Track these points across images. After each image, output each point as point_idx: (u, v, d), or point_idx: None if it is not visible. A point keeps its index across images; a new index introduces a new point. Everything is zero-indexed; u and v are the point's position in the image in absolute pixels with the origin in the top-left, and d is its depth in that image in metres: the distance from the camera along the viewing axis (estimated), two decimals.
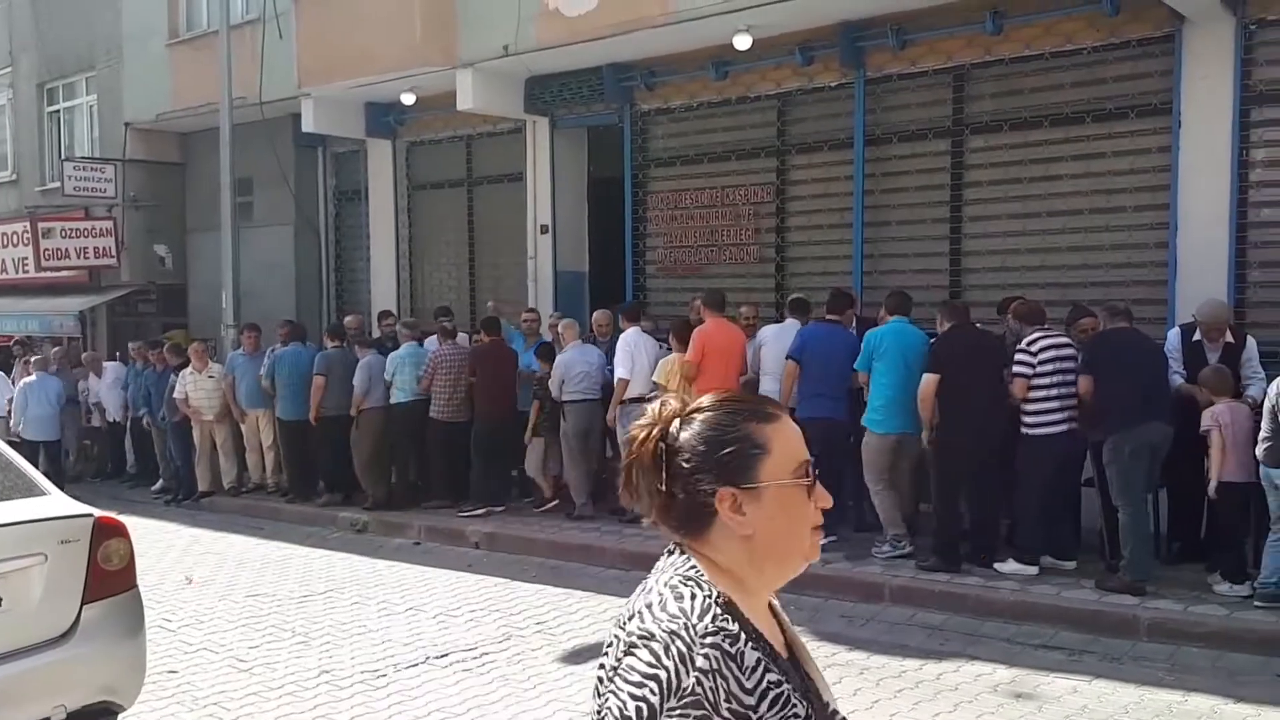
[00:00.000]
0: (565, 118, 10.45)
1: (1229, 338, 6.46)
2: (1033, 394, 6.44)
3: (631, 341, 8.27)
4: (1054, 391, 6.43)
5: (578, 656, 5.83)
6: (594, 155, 10.80)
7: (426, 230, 12.04)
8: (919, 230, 8.56)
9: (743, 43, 8.45)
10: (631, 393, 8.13)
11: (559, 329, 9.03)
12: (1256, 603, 5.85)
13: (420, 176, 12.00)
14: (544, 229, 10.59)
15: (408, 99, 10.69)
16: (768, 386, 7.64)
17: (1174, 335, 6.72)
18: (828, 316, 7.59)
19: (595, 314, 9.25)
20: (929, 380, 6.66)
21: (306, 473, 10.16)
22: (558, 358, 8.69)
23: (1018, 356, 6.48)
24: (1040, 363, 6.42)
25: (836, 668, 5.59)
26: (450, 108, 10.17)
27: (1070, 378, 6.45)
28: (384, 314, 10.97)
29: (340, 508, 9.76)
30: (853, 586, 6.79)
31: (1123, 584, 6.16)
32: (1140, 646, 5.73)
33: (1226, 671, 5.36)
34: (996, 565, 6.63)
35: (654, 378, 8.05)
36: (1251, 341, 6.46)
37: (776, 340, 7.70)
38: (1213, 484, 6.07)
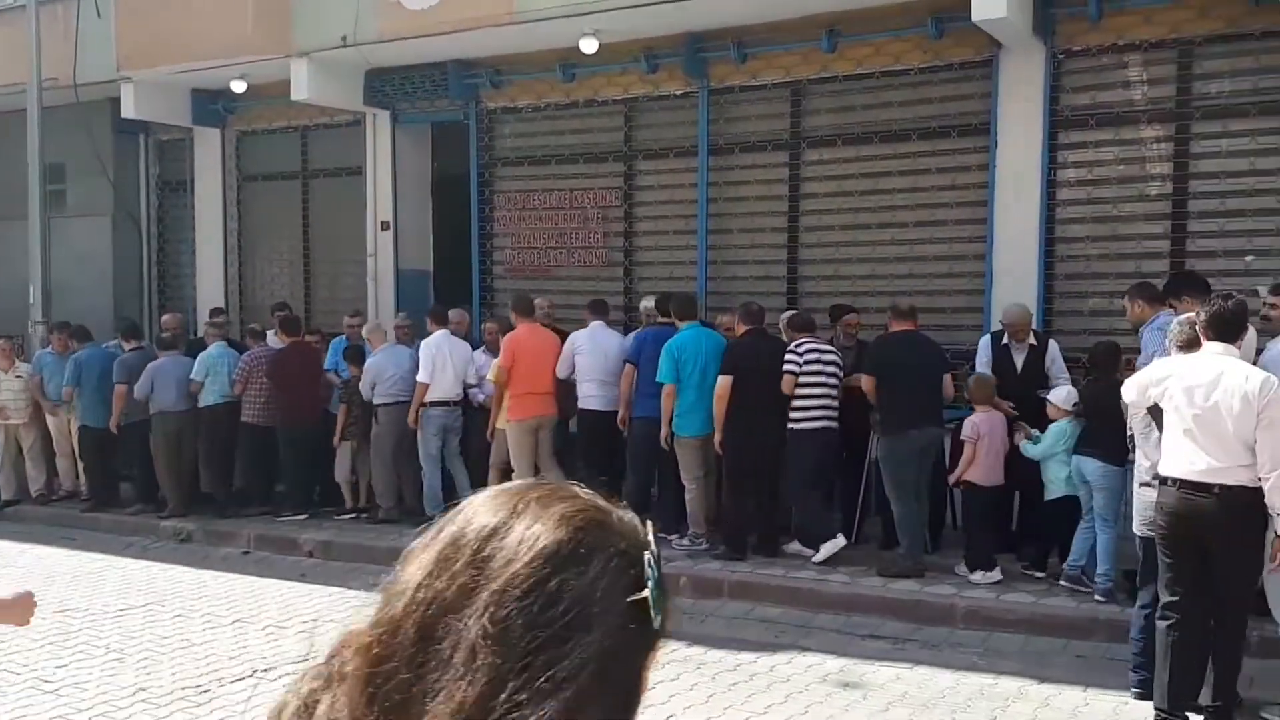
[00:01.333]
0: (408, 113, 10.30)
1: (1033, 341, 7.01)
2: (798, 392, 7.05)
3: (434, 345, 8.34)
4: (816, 391, 7.06)
5: None
6: (439, 152, 10.68)
7: (258, 224, 11.62)
8: (759, 239, 8.87)
9: (589, 46, 8.54)
10: (433, 396, 8.27)
11: (365, 333, 9.01)
12: (1063, 581, 6.39)
13: (252, 168, 11.58)
14: (385, 226, 10.41)
15: (238, 87, 10.30)
16: (587, 390, 7.89)
17: (984, 342, 7.23)
18: (659, 320, 7.84)
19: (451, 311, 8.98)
20: (723, 382, 7.09)
21: (110, 481, 9.71)
22: (368, 360, 8.67)
23: (787, 357, 7.10)
24: (805, 364, 7.03)
25: (674, 664, 5.75)
26: (285, 97, 9.84)
27: (830, 380, 7.10)
28: (215, 311, 10.56)
29: (159, 516, 9.28)
30: (690, 582, 7.00)
31: (902, 569, 6.73)
32: (957, 634, 6.16)
33: (1034, 654, 5.82)
34: (784, 547, 7.13)
35: (488, 377, 8.13)
36: (1054, 345, 7.02)
37: (590, 344, 7.91)
38: (954, 478, 6.73)
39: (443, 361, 8.31)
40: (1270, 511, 4.44)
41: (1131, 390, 4.94)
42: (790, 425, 7.12)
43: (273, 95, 10.18)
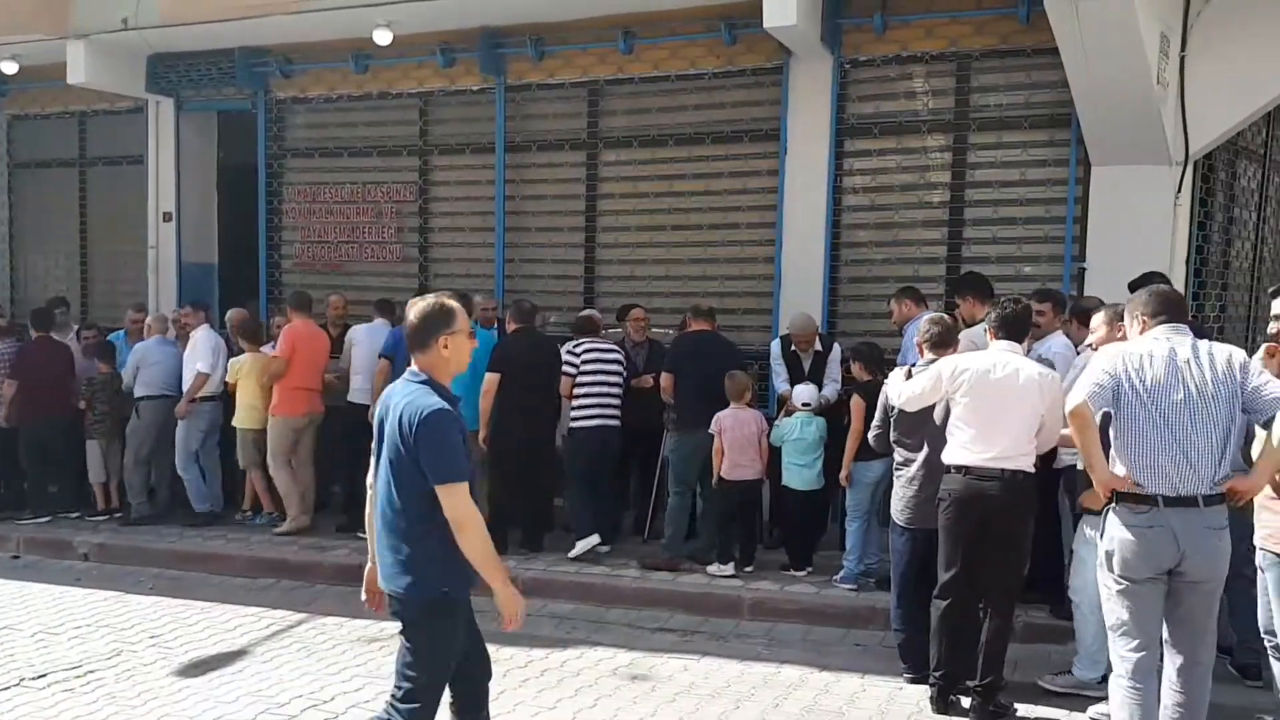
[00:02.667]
0: (193, 100, 9.73)
1: (819, 346, 7.20)
2: (577, 391, 7.13)
3: (214, 338, 8.24)
4: (595, 390, 7.13)
5: (196, 669, 5.48)
6: (225, 141, 10.13)
7: (30, 213, 10.73)
8: (557, 238, 8.80)
9: (383, 38, 8.28)
10: (207, 390, 8.14)
11: (148, 322, 8.65)
12: (837, 581, 6.54)
13: (24, 154, 10.69)
14: (167, 217, 9.79)
15: (9, 68, 9.49)
16: (359, 384, 7.81)
17: (776, 345, 7.39)
18: (513, 327, 7.68)
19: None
20: (490, 379, 7.12)
21: None
22: (136, 345, 8.35)
23: (565, 358, 7.17)
24: (583, 364, 7.11)
25: None
26: (61, 81, 9.14)
27: (611, 379, 7.19)
28: None
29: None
30: (484, 582, 6.80)
31: (663, 561, 6.87)
32: (743, 625, 6.24)
33: (814, 643, 5.94)
34: (570, 555, 7.09)
35: (225, 377, 8.08)
36: (836, 348, 7.22)
37: (368, 339, 7.87)
38: (714, 478, 6.80)
39: (218, 355, 8.19)
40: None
41: (912, 386, 5.09)
42: (570, 424, 7.18)
43: (49, 78, 9.44)
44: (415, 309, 3.53)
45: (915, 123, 7.78)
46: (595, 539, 7.08)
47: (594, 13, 8.06)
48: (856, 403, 6.43)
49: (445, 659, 3.53)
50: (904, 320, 6.70)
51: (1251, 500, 4.03)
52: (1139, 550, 3.88)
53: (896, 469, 5.36)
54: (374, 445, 3.55)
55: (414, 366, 3.52)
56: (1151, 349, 3.94)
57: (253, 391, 7.96)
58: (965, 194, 7.69)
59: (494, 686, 5.13)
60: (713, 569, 6.76)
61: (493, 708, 4.89)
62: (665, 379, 7.03)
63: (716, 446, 6.80)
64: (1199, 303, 7.63)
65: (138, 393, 8.24)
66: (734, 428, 6.79)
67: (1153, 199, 7.01)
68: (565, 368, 7.15)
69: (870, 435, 5.62)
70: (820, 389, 6.98)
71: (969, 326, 6.11)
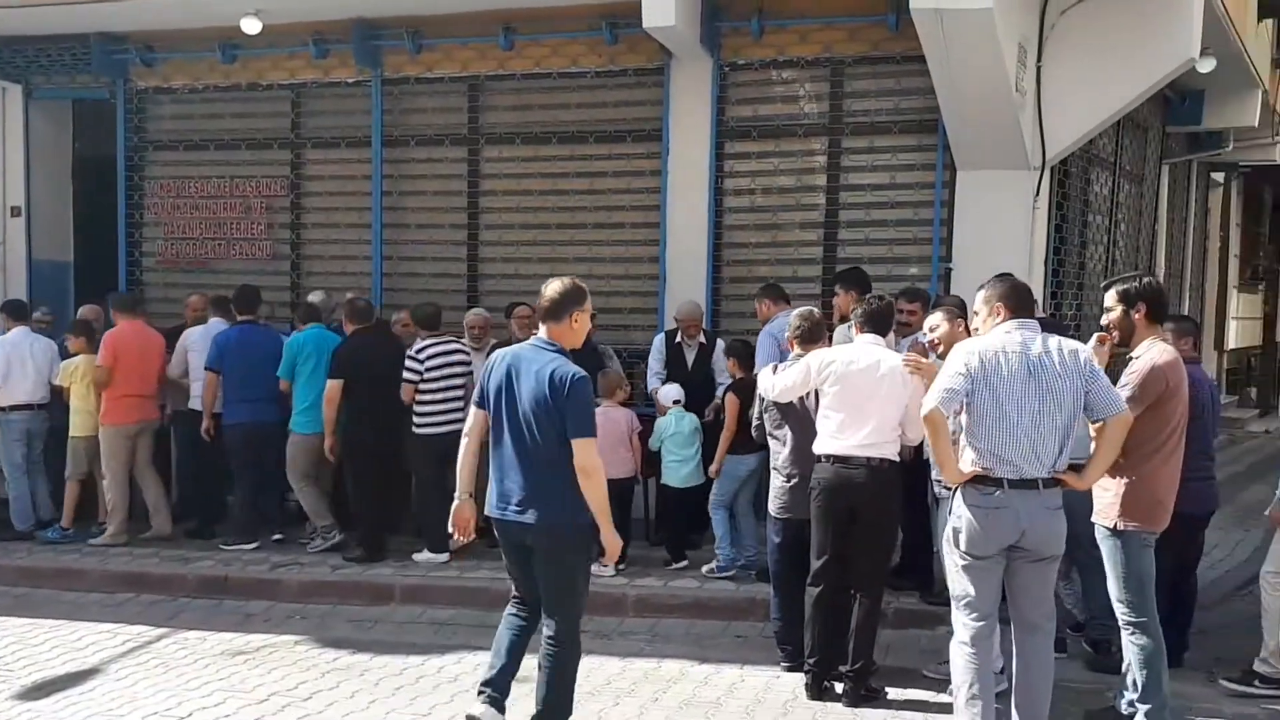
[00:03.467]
0: (44, 88, 9.21)
1: (703, 339, 7.27)
2: (421, 396, 6.94)
3: (10, 344, 7.67)
4: (440, 395, 6.98)
5: (39, 691, 5.17)
6: (82, 132, 9.62)
7: None
8: (438, 234, 8.63)
9: (251, 27, 7.98)
10: (14, 399, 7.64)
11: None
12: (711, 572, 6.63)
13: None
14: (15, 211, 9.23)
15: None
16: (197, 390, 7.59)
17: (659, 340, 7.44)
18: (240, 317, 7.59)
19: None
20: (333, 385, 6.97)
21: None
22: None
23: (407, 363, 6.97)
24: (427, 369, 6.94)
25: (336, 672, 5.45)
26: None
27: (457, 381, 7.04)
28: None
29: None
30: (361, 589, 6.66)
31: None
32: (627, 622, 6.24)
33: (696, 637, 5.99)
34: (414, 556, 7.01)
35: (55, 380, 7.68)
36: (720, 344, 7.29)
37: (204, 342, 7.60)
38: None
39: (20, 361, 7.64)
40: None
41: (783, 379, 5.20)
42: (414, 429, 7.03)
43: None
44: (553, 286, 4.18)
45: (792, 126, 7.92)
46: (444, 558, 6.97)
47: (473, 7, 7.95)
48: (730, 399, 6.53)
49: (586, 574, 4.31)
50: (766, 318, 6.81)
51: None
52: (985, 529, 4.13)
53: (774, 463, 5.45)
54: (478, 398, 4.30)
55: (543, 334, 4.21)
56: (1004, 344, 4.15)
57: (84, 396, 7.55)
58: (840, 197, 7.86)
59: (364, 695, 5.09)
60: (594, 568, 6.69)
61: (362, 716, 4.84)
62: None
63: None
64: (1057, 302, 8.00)
65: None
66: (604, 425, 6.77)
67: (1013, 203, 7.30)
68: (407, 374, 6.94)
69: (754, 427, 5.69)
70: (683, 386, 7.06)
71: (845, 320, 6.27)
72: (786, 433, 5.35)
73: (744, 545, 6.66)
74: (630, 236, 8.24)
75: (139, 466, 7.61)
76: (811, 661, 5.08)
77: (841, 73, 7.81)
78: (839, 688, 5.05)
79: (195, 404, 7.63)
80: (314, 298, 7.94)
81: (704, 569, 6.68)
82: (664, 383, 7.16)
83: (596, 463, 4.05)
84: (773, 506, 5.41)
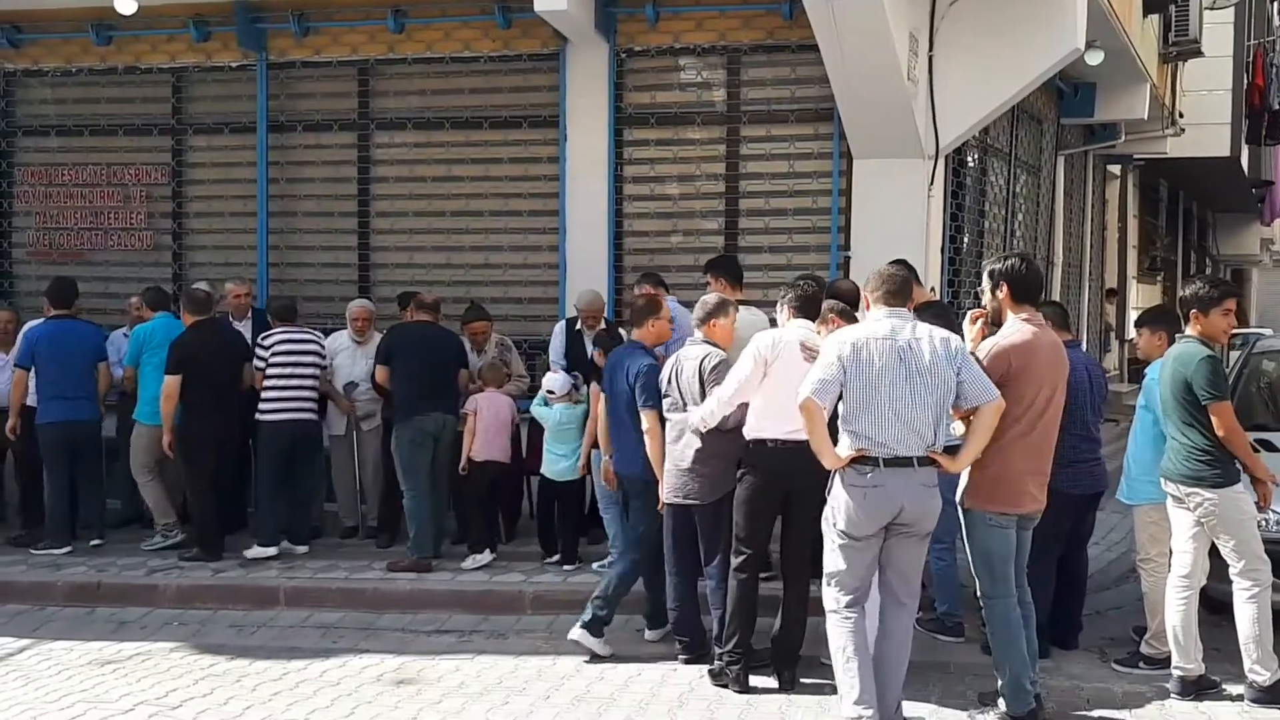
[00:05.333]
0: None
1: (604, 327, 7.11)
2: (266, 383, 6.91)
3: None
4: (284, 383, 6.92)
5: None
6: None
7: None
8: (327, 223, 8.33)
9: (126, 7, 7.56)
10: None
11: None
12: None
13: None
14: None
15: None
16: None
17: (559, 328, 7.27)
18: (54, 313, 7.24)
19: None
20: (170, 381, 6.81)
21: None
22: None
23: (256, 350, 6.99)
24: (273, 355, 6.91)
25: (211, 679, 5.19)
26: None
27: (305, 370, 7.00)
28: None
29: None
30: (244, 594, 6.37)
31: (410, 563, 6.61)
32: (525, 620, 6.07)
33: None
34: (245, 552, 6.86)
35: None
36: (622, 333, 7.12)
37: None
38: (463, 461, 6.73)
39: None
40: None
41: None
42: (258, 416, 6.94)
43: None
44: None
45: (690, 114, 7.82)
46: (273, 552, 6.83)
47: None
48: (595, 391, 6.38)
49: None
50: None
51: None
52: (862, 508, 4.28)
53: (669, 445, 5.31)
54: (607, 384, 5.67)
55: (636, 335, 5.70)
56: (874, 331, 4.32)
57: None
58: (739, 185, 7.79)
59: (239, 701, 4.85)
60: (468, 562, 6.59)
61: None
62: (380, 371, 6.86)
63: (469, 428, 6.69)
64: (954, 290, 8.05)
65: None
66: (488, 409, 6.74)
67: (908, 191, 7.29)
68: (256, 362, 6.92)
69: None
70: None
71: None
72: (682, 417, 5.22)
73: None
74: (529, 225, 8.06)
75: None
76: (738, 651, 4.97)
77: (738, 60, 7.74)
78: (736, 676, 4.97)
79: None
80: (199, 288, 7.60)
81: (594, 565, 6.54)
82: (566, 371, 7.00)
83: (659, 429, 5.30)
84: (666, 491, 5.27)
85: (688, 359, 5.22)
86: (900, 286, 4.43)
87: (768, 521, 4.99)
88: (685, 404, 5.20)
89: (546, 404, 6.65)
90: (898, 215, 7.25)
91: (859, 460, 4.26)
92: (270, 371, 6.89)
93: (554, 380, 6.72)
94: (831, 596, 4.43)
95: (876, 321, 4.37)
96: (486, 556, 6.61)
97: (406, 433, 6.67)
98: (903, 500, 4.24)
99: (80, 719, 4.70)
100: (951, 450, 4.38)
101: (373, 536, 7.30)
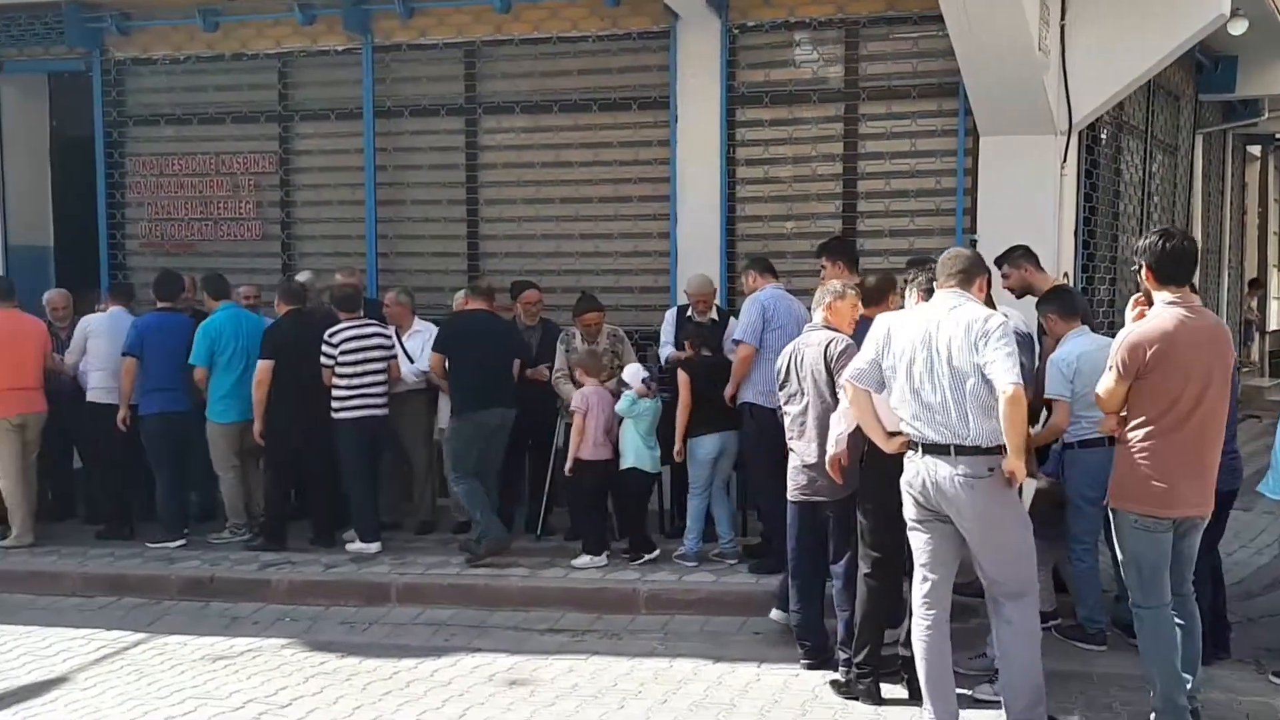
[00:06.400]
0: (16, 61, 8.75)
1: (714, 315, 6.82)
2: (338, 380, 6.69)
3: None
4: (355, 380, 6.71)
5: (1, 702, 4.77)
6: (60, 109, 9.17)
7: None
8: (435, 211, 8.19)
9: None
10: None
11: None
12: (680, 559, 6.32)
13: None
14: None
15: None
16: (98, 382, 7.18)
17: (670, 315, 7.00)
18: (160, 305, 7.27)
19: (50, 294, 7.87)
20: (263, 366, 6.74)
21: None
22: None
23: (323, 347, 6.72)
24: (342, 352, 6.68)
25: (321, 676, 5.08)
26: None
27: (374, 365, 6.79)
28: None
29: None
30: (355, 590, 6.26)
31: (487, 548, 6.44)
32: (639, 619, 5.83)
33: (712, 634, 5.60)
34: (348, 546, 6.78)
35: None
36: (734, 321, 6.83)
37: (106, 330, 7.21)
38: (569, 462, 6.46)
39: None
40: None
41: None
42: (334, 414, 6.75)
43: None
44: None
45: (805, 92, 7.48)
46: (376, 548, 6.73)
47: None
48: (682, 378, 6.27)
49: None
50: (752, 291, 6.39)
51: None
52: (908, 493, 4.18)
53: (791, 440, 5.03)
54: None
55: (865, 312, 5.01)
56: (909, 315, 4.27)
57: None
58: (858, 165, 7.44)
59: (348, 701, 4.70)
60: (579, 561, 6.35)
61: None
62: (435, 360, 6.68)
63: (577, 426, 6.42)
64: (1088, 275, 7.54)
65: None
66: (599, 406, 6.45)
67: (1038, 169, 6.86)
68: (323, 360, 6.71)
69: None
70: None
71: None
72: (804, 406, 4.92)
73: (720, 535, 6.42)
74: (639, 210, 7.80)
75: (25, 464, 7.12)
76: (870, 664, 4.66)
77: (857, 34, 7.37)
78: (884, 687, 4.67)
79: (95, 395, 7.20)
80: (301, 277, 7.56)
81: (674, 555, 6.35)
82: None
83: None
84: (791, 490, 5.00)
85: (808, 345, 4.95)
86: (963, 267, 4.20)
87: (900, 522, 4.56)
88: (805, 393, 4.89)
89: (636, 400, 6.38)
90: (1027, 195, 6.82)
91: (908, 444, 4.17)
92: (340, 369, 6.70)
93: (634, 371, 6.48)
94: (915, 581, 4.29)
95: (916, 305, 4.37)
96: (602, 559, 6.37)
97: (466, 428, 6.50)
98: (939, 489, 4.05)
99: (190, 715, 4.62)
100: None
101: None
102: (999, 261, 5.81)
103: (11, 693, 4.91)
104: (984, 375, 3.94)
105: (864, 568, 4.69)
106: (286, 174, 8.46)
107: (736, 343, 6.23)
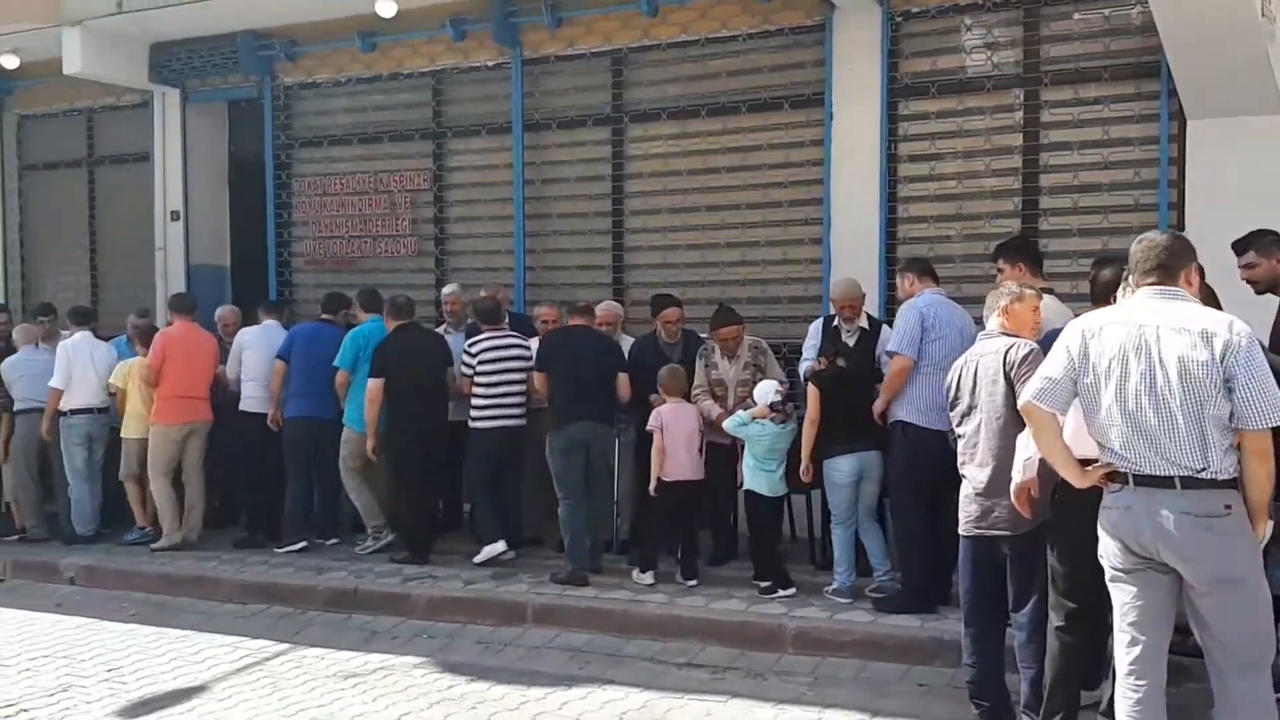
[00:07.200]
0: (199, 90, 9.16)
1: (864, 323, 6.25)
2: (476, 390, 6.67)
3: (72, 347, 7.73)
4: (492, 390, 6.66)
5: (140, 709, 4.84)
6: (236, 134, 9.54)
7: (41, 217, 10.27)
8: (581, 224, 8.02)
9: (386, 10, 7.62)
10: (75, 403, 7.66)
11: (14, 334, 8.24)
12: (831, 594, 5.78)
13: (33, 155, 10.23)
14: (174, 216, 9.23)
15: (9, 62, 9.06)
16: (251, 392, 7.43)
17: (815, 325, 6.49)
18: (322, 316, 7.55)
19: (221, 310, 8.22)
20: (374, 385, 6.75)
21: None
22: (4, 361, 7.98)
23: (462, 357, 6.74)
24: (480, 362, 6.63)
25: (448, 703, 4.87)
26: (68, 76, 8.68)
27: (513, 375, 6.71)
28: None
29: None
30: (493, 609, 6.06)
31: (566, 576, 6.23)
32: (786, 660, 5.33)
33: (868, 682, 5.02)
34: (475, 559, 6.71)
35: (110, 380, 7.66)
36: (887, 329, 6.26)
37: (259, 343, 7.48)
38: (652, 482, 6.15)
39: (82, 365, 7.70)
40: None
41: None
42: (470, 423, 6.73)
43: (53, 74, 8.94)
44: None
45: (978, 80, 6.86)
46: (501, 545, 6.66)
47: None
48: (811, 391, 5.75)
49: None
50: (908, 295, 5.79)
51: None
52: (1113, 536, 3.42)
53: (965, 465, 4.45)
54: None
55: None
56: (1111, 318, 3.46)
57: (137, 399, 7.52)
58: (1039, 158, 6.74)
59: None
60: (643, 577, 6.15)
61: None
62: (538, 378, 6.57)
63: (657, 445, 6.13)
64: None
65: (16, 407, 7.90)
66: (674, 423, 6.11)
67: (1262, 157, 5.95)
68: (463, 370, 6.73)
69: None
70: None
71: None
72: (976, 426, 4.34)
73: (874, 567, 5.83)
74: (789, 216, 7.36)
75: (186, 469, 7.50)
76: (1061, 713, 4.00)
77: (1037, 13, 6.71)
78: None
79: (248, 405, 7.45)
80: (447, 290, 7.58)
81: (825, 590, 5.84)
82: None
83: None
84: (963, 522, 4.41)
85: (984, 354, 4.36)
86: (1161, 259, 3.43)
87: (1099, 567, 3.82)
88: (979, 409, 4.32)
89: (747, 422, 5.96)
90: (1248, 186, 5.92)
91: (1111, 476, 3.40)
92: (478, 379, 6.68)
93: (768, 387, 6.02)
94: (1117, 649, 3.48)
95: (1122, 305, 3.54)
96: (648, 577, 6.17)
97: (557, 441, 6.38)
98: (1160, 532, 3.27)
99: None
100: None
101: (625, 552, 6.81)
102: (1241, 247, 4.91)
103: (154, 699, 4.96)
104: (1231, 399, 3.21)
105: (1055, 619, 4.01)
106: (440, 190, 8.49)
107: (890, 354, 5.67)
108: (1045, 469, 3.86)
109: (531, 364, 6.76)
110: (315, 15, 8.24)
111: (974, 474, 4.36)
